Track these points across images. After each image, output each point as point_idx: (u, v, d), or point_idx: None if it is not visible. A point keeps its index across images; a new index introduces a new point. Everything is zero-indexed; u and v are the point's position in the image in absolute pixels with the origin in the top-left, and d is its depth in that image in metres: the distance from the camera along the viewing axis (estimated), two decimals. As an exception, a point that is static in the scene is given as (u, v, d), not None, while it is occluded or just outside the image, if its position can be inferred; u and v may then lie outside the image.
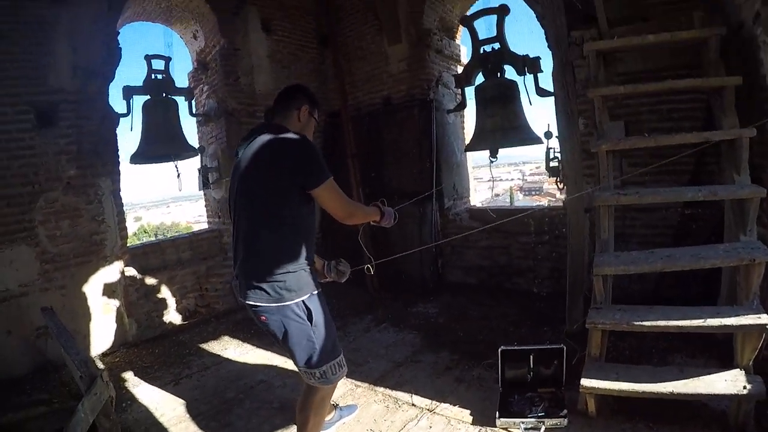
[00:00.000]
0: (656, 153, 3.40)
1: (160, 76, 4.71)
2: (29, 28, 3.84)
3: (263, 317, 2.13)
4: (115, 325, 4.42)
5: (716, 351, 3.12)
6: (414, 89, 5.52)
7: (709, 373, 2.47)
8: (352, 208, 2.29)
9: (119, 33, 4.43)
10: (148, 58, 4.67)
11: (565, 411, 2.65)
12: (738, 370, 2.44)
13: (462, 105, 5.00)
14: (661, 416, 2.57)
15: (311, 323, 2.13)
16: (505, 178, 73.65)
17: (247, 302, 2.14)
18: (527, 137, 4.16)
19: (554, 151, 4.03)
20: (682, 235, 3.74)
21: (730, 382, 2.36)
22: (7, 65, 3.75)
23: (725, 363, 2.56)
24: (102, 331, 4.34)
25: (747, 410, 2.33)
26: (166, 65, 4.76)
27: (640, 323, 2.53)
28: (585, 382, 2.58)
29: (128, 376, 3.84)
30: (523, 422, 2.64)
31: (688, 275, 3.43)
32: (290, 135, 2.14)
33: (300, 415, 2.31)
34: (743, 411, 2.33)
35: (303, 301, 2.12)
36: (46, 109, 3.94)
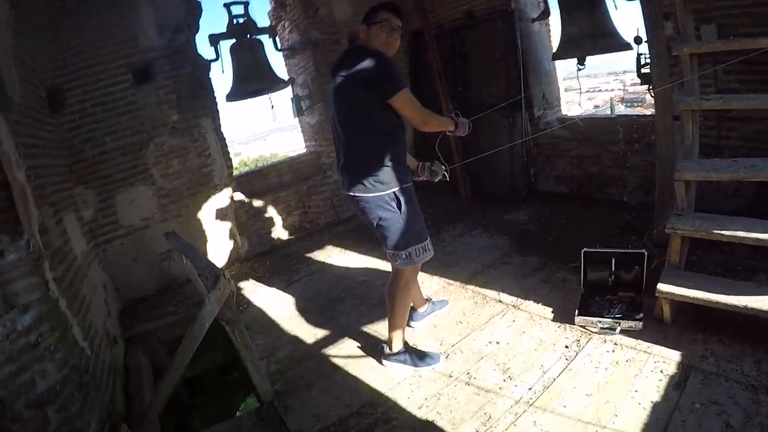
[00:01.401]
0: (755, 60, 3.13)
1: (241, 20, 4.82)
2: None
3: (362, 205, 2.55)
4: (229, 244, 5.00)
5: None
6: (495, 0, 5.29)
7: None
8: (425, 116, 2.54)
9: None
10: (227, 6, 4.79)
11: (641, 315, 2.73)
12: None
13: (546, 13, 4.78)
14: (735, 334, 2.52)
15: (400, 211, 2.51)
16: (604, 89, 67.57)
17: (350, 194, 2.57)
18: (615, 43, 3.96)
19: (645, 57, 3.80)
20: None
21: (808, 303, 2.22)
22: (104, 35, 4.12)
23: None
24: (218, 249, 4.94)
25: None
26: (246, 9, 4.85)
27: (719, 232, 2.46)
28: (661, 286, 2.61)
29: (243, 284, 4.42)
30: (600, 321, 2.78)
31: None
32: (366, 54, 2.40)
33: (388, 301, 2.76)
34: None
35: (394, 192, 2.49)
36: (142, 67, 4.34)
